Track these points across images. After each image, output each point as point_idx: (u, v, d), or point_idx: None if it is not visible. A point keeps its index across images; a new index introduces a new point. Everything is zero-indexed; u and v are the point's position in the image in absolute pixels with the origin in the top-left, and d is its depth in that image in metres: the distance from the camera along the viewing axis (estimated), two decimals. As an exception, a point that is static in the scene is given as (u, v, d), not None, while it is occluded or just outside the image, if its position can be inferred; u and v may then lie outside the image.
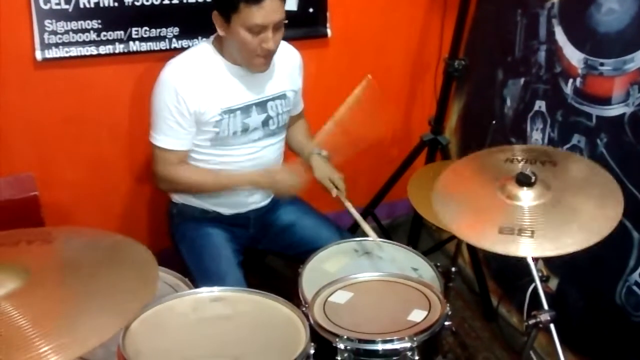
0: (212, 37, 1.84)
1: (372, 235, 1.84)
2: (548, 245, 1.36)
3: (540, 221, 1.40)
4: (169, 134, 1.78)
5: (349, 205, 1.92)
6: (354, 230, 2.57)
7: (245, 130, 1.84)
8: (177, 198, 1.98)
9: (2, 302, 1.04)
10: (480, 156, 1.70)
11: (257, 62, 1.75)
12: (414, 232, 2.62)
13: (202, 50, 1.82)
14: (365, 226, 1.88)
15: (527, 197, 1.45)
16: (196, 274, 1.83)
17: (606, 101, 1.83)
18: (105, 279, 1.17)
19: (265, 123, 1.87)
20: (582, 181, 1.54)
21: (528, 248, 1.35)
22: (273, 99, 1.88)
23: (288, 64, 1.93)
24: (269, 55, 1.75)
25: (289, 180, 1.87)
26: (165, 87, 1.74)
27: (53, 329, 1.01)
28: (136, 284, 1.17)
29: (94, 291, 1.14)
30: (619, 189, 1.47)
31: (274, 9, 1.65)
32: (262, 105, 1.86)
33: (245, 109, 1.83)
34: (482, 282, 2.44)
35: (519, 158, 1.60)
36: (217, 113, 1.78)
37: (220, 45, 1.80)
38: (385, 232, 2.62)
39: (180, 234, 1.97)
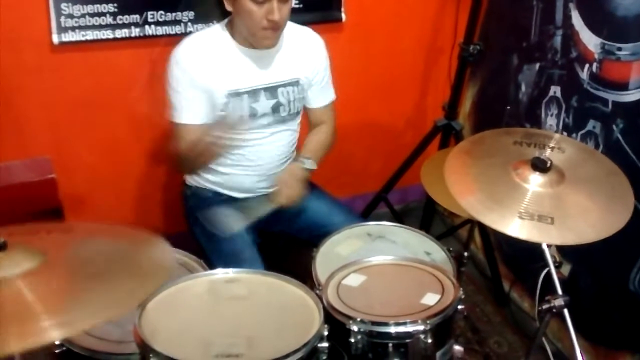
0: (226, 20, 1.84)
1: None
2: (547, 232, 1.35)
3: (545, 208, 1.40)
4: (184, 106, 1.79)
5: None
6: (367, 215, 2.58)
7: (253, 115, 1.84)
8: (190, 181, 1.99)
9: (20, 280, 1.07)
10: (486, 137, 1.70)
11: (263, 34, 1.74)
12: (427, 217, 2.63)
13: (213, 31, 1.83)
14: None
15: (538, 181, 1.45)
16: (212, 255, 1.83)
17: (623, 86, 1.82)
18: (120, 262, 1.20)
19: (275, 109, 1.87)
20: (594, 172, 1.53)
21: (526, 231, 1.35)
22: (284, 85, 1.87)
23: (307, 50, 1.92)
24: (275, 28, 1.73)
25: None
26: (174, 61, 1.77)
27: (58, 307, 1.05)
28: (145, 285, 1.19)
29: (105, 279, 1.15)
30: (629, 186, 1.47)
31: None
32: (271, 90, 1.85)
33: (253, 93, 1.82)
34: (493, 267, 2.45)
35: (527, 142, 1.59)
36: (224, 95, 1.79)
37: (232, 28, 1.81)
38: (398, 217, 2.62)
39: (194, 216, 1.98)
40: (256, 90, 1.83)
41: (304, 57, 1.91)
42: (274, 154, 1.93)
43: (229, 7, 1.74)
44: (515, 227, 1.37)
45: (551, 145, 1.59)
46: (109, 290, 1.12)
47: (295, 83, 1.89)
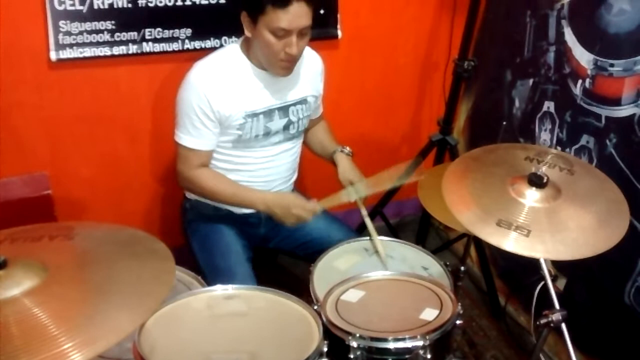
0: (240, 39, 1.86)
1: (380, 248, 1.83)
2: (539, 247, 1.36)
3: (538, 223, 1.41)
4: (194, 134, 1.80)
5: (364, 213, 1.94)
6: (363, 230, 2.59)
7: (267, 134, 1.87)
8: (190, 194, 2.00)
9: (23, 298, 1.05)
10: (501, 148, 1.71)
11: (279, 66, 1.76)
12: (422, 231, 2.64)
13: (229, 53, 1.83)
14: (375, 237, 1.88)
15: (534, 197, 1.46)
16: (206, 270, 1.85)
17: (616, 102, 1.84)
18: (123, 274, 1.18)
19: (286, 127, 1.90)
20: (592, 195, 1.53)
21: (519, 246, 1.36)
22: (295, 104, 1.91)
23: (310, 70, 1.95)
24: (291, 61, 1.76)
25: (299, 215, 1.81)
26: (192, 88, 1.76)
27: (74, 326, 1.01)
28: (153, 279, 1.18)
29: (113, 287, 1.15)
30: (627, 211, 1.47)
31: (300, 14, 1.66)
32: (284, 110, 1.88)
33: (268, 113, 1.85)
34: (489, 281, 2.45)
35: (540, 159, 1.60)
36: (241, 116, 1.80)
37: (247, 48, 1.82)
38: (394, 231, 2.63)
39: (192, 229, 1.99)
40: (271, 110, 1.86)
41: (310, 77, 1.95)
42: (282, 169, 1.97)
43: (248, 33, 1.76)
44: (511, 242, 1.38)
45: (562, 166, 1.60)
46: (121, 299, 1.09)
47: (304, 101, 1.93)
